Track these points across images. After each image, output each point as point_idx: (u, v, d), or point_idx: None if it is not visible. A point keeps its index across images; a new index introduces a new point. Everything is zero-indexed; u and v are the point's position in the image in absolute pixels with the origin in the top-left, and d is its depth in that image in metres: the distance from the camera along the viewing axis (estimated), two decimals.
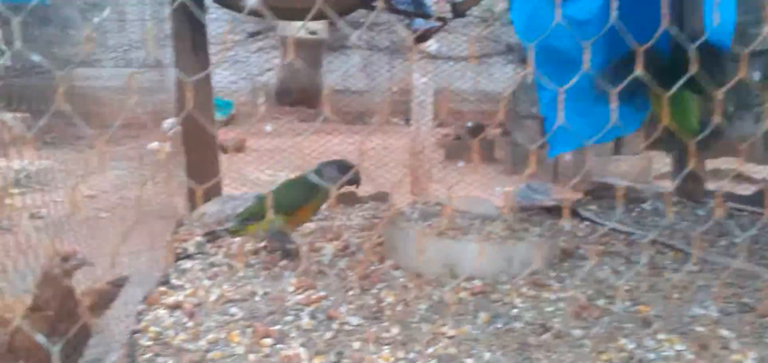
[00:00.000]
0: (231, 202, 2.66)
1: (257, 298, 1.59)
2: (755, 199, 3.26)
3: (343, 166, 1.95)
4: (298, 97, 2.82)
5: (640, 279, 1.72)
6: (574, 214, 2.57)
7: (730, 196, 3.03)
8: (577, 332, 1.33)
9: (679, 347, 1.26)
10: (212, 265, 1.90)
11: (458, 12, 3.08)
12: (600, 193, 2.91)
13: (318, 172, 1.94)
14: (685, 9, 3.14)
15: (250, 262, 1.93)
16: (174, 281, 1.74)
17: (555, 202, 2.90)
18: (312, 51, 2.72)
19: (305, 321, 1.41)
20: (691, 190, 2.97)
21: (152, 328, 1.37)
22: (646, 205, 2.75)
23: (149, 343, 1.30)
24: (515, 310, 1.46)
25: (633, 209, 2.71)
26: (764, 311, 1.46)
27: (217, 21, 3.66)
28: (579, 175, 3.18)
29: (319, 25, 2.72)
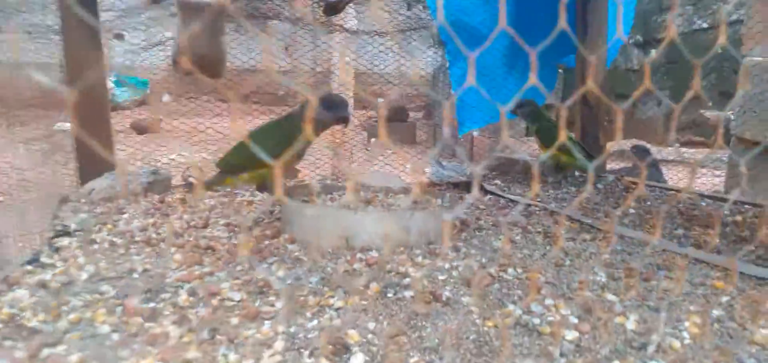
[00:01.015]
0: (123, 178, 2.49)
1: (135, 276, 1.47)
2: (650, 174, 3.41)
3: (329, 102, 1.76)
4: (198, 64, 2.65)
5: (535, 247, 1.73)
6: (479, 187, 2.58)
7: (628, 171, 3.16)
8: (466, 299, 1.30)
9: (564, 311, 1.25)
10: (92, 241, 1.76)
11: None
12: (505, 167, 2.95)
13: (300, 111, 1.78)
14: (589, 11, 3.20)
15: (135, 238, 1.79)
16: (45, 259, 1.59)
17: (463, 177, 2.91)
18: (213, 15, 2.56)
19: (182, 298, 1.31)
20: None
21: (6, 310, 1.23)
22: (550, 179, 2.80)
23: None
24: (407, 280, 1.41)
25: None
26: (649, 276, 1.50)
27: None
28: (491, 155, 3.22)
29: None
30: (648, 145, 4.50)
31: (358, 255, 1.58)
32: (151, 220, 2.00)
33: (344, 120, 1.80)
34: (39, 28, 3.19)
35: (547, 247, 1.74)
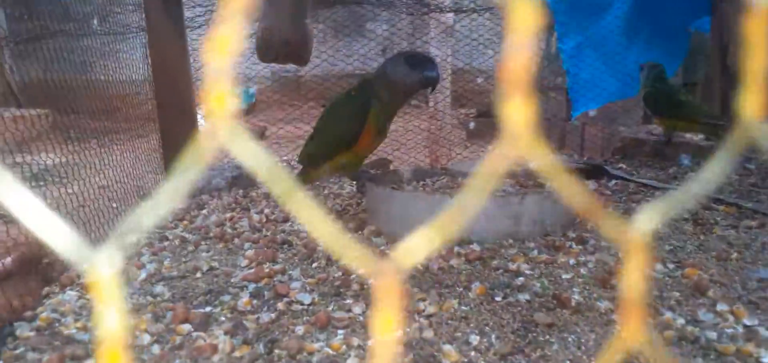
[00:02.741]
0: (206, 173, 2.35)
1: (198, 275, 1.27)
2: None
3: (413, 59, 1.47)
4: (282, 50, 2.47)
5: (685, 238, 1.35)
6: (602, 172, 2.20)
7: None
8: (604, 305, 0.97)
9: (749, 321, 0.89)
10: (164, 238, 1.60)
11: None
12: (631, 150, 2.53)
13: (379, 75, 1.52)
14: None
15: (210, 234, 1.61)
16: (129, 240, 1.43)
17: (580, 163, 2.53)
18: None
19: (244, 300, 1.08)
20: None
21: (45, 315, 1.06)
22: (685, 161, 2.36)
23: (30, 333, 0.99)
24: (521, 279, 1.10)
25: (668, 166, 2.32)
26: None
27: None
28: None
29: None
30: None
31: (456, 248, 1.29)
32: (228, 215, 1.82)
33: (432, 81, 1.48)
34: (130, 28, 3.17)
35: (701, 237, 1.36)
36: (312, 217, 0.21)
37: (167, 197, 0.20)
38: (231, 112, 0.19)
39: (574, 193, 0.23)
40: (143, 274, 1.27)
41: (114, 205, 2.34)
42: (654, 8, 2.90)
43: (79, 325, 1.02)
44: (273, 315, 1.01)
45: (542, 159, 0.21)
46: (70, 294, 1.17)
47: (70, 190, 1.90)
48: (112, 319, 0.19)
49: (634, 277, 0.23)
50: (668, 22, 2.92)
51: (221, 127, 0.19)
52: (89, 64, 2.56)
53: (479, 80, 6.12)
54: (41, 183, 2.25)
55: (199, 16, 3.16)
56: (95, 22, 3.04)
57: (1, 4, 3.37)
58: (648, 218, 0.24)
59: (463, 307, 0.99)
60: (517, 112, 0.20)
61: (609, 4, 2.94)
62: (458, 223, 0.25)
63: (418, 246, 0.22)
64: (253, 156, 0.20)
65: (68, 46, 2.41)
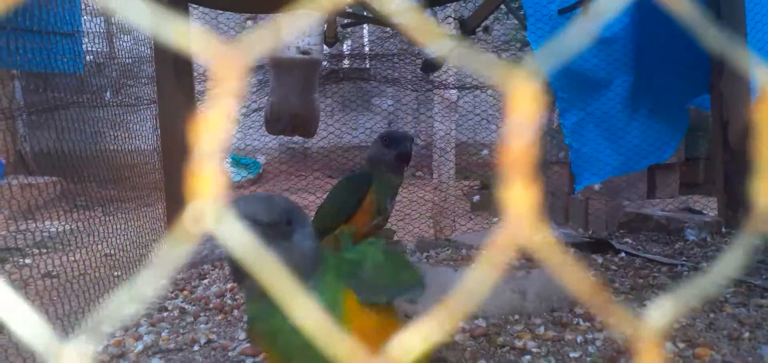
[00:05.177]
0: (211, 242, 2.34)
1: (195, 348, 1.25)
2: None
3: (388, 138, 1.53)
4: (290, 123, 2.52)
5: (695, 316, 1.32)
6: (607, 247, 2.18)
7: None
8: None
9: None
10: (163, 309, 1.58)
11: (467, 29, 2.77)
12: (636, 225, 2.51)
13: (368, 157, 1.57)
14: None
15: (209, 305, 1.59)
16: (105, 329, 1.41)
17: (585, 238, 2.51)
18: (305, 72, 2.44)
19: None
20: (743, 219, 2.56)
21: None
22: (691, 236, 2.34)
23: None
24: (527, 357, 1.07)
25: (675, 241, 2.30)
26: None
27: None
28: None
29: (313, 44, 2.44)
30: None
31: (460, 324, 1.26)
32: (229, 285, 1.80)
33: (404, 156, 1.52)
34: (142, 101, 3.24)
35: (711, 315, 1.33)
36: (303, 311, 0.21)
37: (147, 283, 0.20)
38: (218, 194, 0.19)
39: (577, 279, 0.22)
40: (140, 346, 1.25)
41: (116, 273, 2.33)
42: (654, 86, 2.95)
43: None
44: None
45: (544, 243, 0.21)
46: None
47: (72, 258, 1.88)
48: None
49: None
50: (668, 99, 2.97)
51: (207, 210, 0.19)
52: (100, 134, 2.59)
53: (484, 153, 6.14)
54: (43, 250, 2.26)
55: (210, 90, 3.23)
56: (108, 94, 3.10)
57: (18, 77, 3.47)
58: (662, 311, 0.23)
59: None
60: (519, 196, 0.20)
61: (610, 82, 2.99)
62: (465, 307, 0.24)
63: (419, 337, 0.21)
64: (240, 241, 0.19)
65: (81, 116, 2.45)
